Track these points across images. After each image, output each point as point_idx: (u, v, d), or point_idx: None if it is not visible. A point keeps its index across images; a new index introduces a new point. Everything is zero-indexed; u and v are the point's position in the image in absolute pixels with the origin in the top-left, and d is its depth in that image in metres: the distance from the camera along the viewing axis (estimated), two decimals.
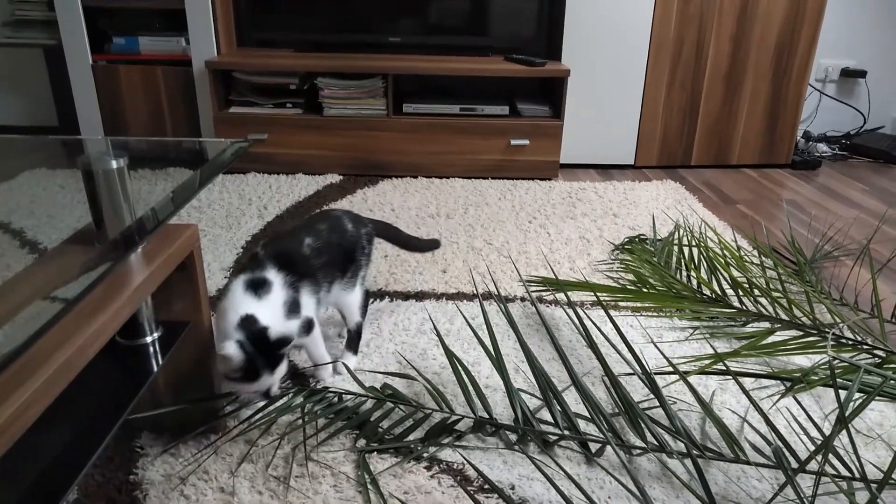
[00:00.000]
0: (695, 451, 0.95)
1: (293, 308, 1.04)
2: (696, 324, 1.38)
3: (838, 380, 1.09)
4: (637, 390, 1.14)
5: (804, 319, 1.31)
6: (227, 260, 1.63)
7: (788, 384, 1.14)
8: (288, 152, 2.31)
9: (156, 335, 1.01)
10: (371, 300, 1.45)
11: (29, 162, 1.18)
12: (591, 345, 1.02)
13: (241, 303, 0.99)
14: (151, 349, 0.99)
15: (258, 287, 1.01)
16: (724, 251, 1.57)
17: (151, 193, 0.97)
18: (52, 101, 2.73)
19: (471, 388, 1.08)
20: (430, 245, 1.47)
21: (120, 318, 0.80)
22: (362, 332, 1.24)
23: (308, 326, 1.09)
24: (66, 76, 2.30)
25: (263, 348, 0.95)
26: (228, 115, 2.27)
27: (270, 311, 1.00)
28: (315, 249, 1.11)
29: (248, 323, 0.96)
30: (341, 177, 2.30)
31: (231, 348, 0.93)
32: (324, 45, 2.47)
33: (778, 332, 1.30)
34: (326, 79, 2.26)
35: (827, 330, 1.27)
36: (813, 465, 0.93)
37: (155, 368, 0.94)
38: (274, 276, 1.04)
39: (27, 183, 1.08)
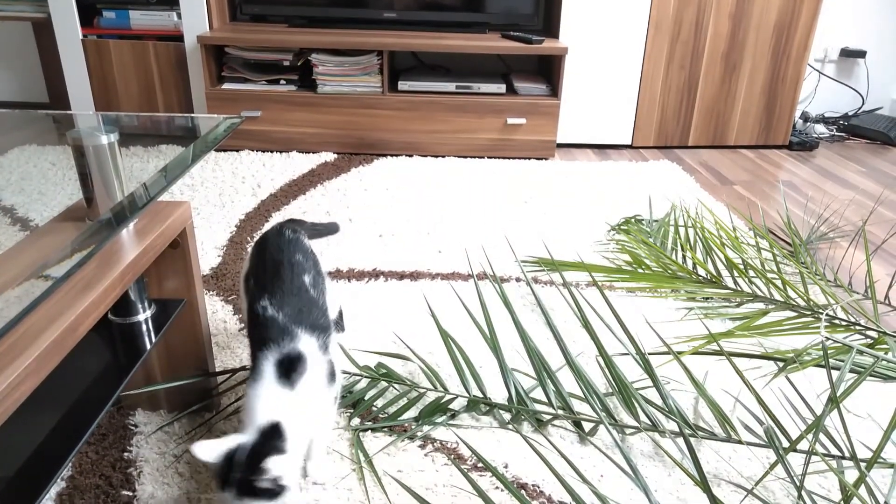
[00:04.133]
0: (687, 431, 0.96)
1: (332, 374, 0.86)
2: (690, 304, 1.38)
3: (831, 360, 1.10)
4: (631, 370, 1.14)
5: (798, 300, 1.31)
6: (220, 238, 1.62)
7: (781, 364, 1.15)
8: (282, 130, 2.28)
9: (149, 313, 1.00)
10: (365, 280, 1.45)
11: (19, 138, 1.16)
12: (586, 325, 1.02)
13: (271, 400, 0.80)
14: (144, 327, 0.98)
15: (291, 368, 0.82)
16: (720, 232, 1.57)
17: (143, 170, 0.95)
18: (41, 76, 2.69)
19: (465, 367, 1.08)
20: (329, 229, 1.27)
21: (111, 296, 0.80)
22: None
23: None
24: (56, 51, 2.26)
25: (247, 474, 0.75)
26: (221, 91, 2.24)
27: (308, 401, 0.82)
28: (313, 285, 0.94)
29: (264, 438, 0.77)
30: (336, 155, 2.28)
31: (204, 452, 0.74)
32: (318, 20, 2.43)
33: (772, 313, 1.30)
34: (320, 55, 2.23)
35: (821, 311, 1.27)
36: (804, 445, 0.94)
37: (148, 346, 0.94)
38: (308, 342, 0.85)
39: (17, 159, 1.07)
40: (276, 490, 0.75)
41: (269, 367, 0.82)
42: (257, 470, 0.74)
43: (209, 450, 0.75)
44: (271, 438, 0.77)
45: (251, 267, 0.98)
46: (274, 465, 0.75)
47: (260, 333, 0.86)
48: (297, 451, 0.79)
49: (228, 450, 0.76)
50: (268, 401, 0.80)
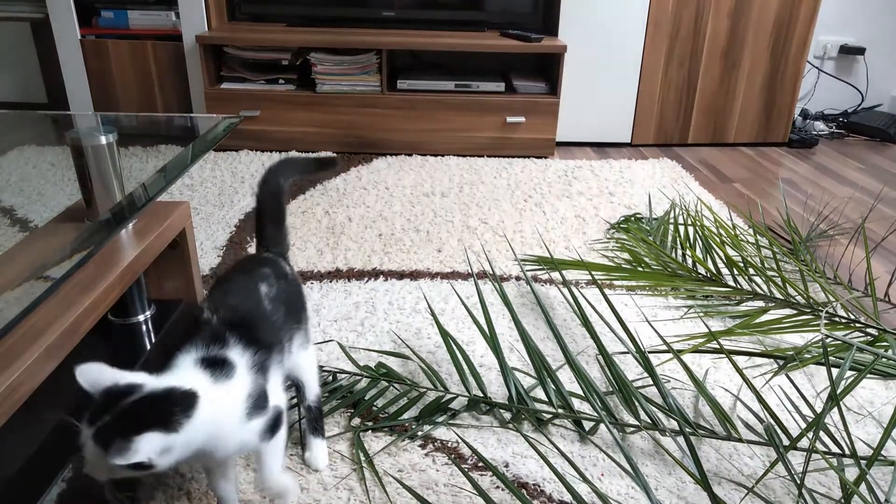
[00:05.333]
0: (687, 429, 0.96)
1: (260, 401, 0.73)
2: (690, 303, 1.38)
3: (831, 358, 1.10)
4: (631, 369, 1.14)
5: (798, 298, 1.31)
6: (219, 238, 1.62)
7: (781, 362, 1.15)
8: (281, 129, 2.28)
9: (148, 314, 1.00)
10: (365, 280, 1.45)
11: (18, 138, 1.16)
12: (586, 323, 1.02)
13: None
14: (144, 327, 0.98)
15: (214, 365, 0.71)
16: (720, 230, 1.57)
17: (142, 170, 0.95)
18: (40, 77, 2.68)
19: (465, 366, 1.08)
20: (325, 163, 1.13)
21: (111, 296, 0.80)
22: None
23: (276, 422, 0.76)
24: (54, 51, 2.26)
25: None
26: (220, 91, 2.24)
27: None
28: (273, 300, 0.84)
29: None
30: (335, 154, 2.28)
31: (85, 375, 0.62)
32: (317, 19, 2.42)
33: (772, 311, 1.30)
34: (319, 54, 2.23)
35: (820, 308, 1.27)
36: (804, 443, 0.94)
37: (148, 346, 0.94)
38: (237, 355, 0.73)
39: (16, 160, 1.07)
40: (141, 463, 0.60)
41: (190, 359, 0.70)
42: (123, 444, 0.58)
43: (92, 375, 0.62)
44: (174, 406, 0.62)
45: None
46: (146, 445, 0.59)
47: (191, 334, 0.74)
48: (185, 446, 0.64)
49: (115, 386, 0.62)
50: (188, 370, 0.68)
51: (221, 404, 0.68)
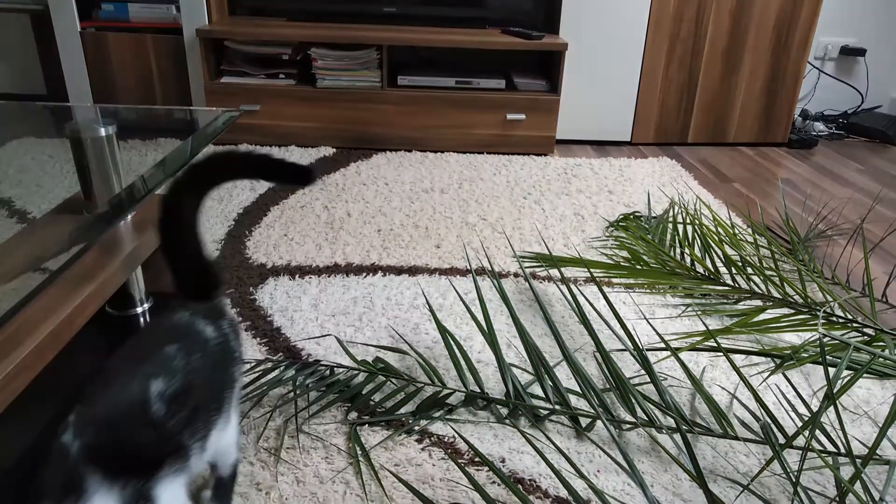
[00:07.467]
0: (684, 427, 0.96)
1: None
2: (688, 301, 1.38)
3: (828, 357, 1.10)
4: (628, 366, 1.15)
5: (796, 297, 1.32)
6: (218, 232, 1.62)
7: (778, 361, 1.15)
8: (280, 124, 2.28)
9: (146, 306, 1.00)
10: (364, 275, 1.45)
11: (17, 130, 1.16)
12: (584, 321, 1.02)
13: None
14: (141, 320, 0.98)
15: None
16: (719, 229, 1.57)
17: (141, 163, 0.95)
18: (39, 69, 2.68)
19: (463, 362, 1.08)
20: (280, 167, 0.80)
21: (109, 288, 0.80)
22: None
23: None
24: (54, 43, 2.25)
25: None
26: (220, 85, 2.23)
27: None
28: (171, 399, 0.62)
29: None
30: (334, 149, 2.28)
31: None
32: (318, 14, 2.42)
33: (770, 310, 1.30)
34: (320, 49, 2.22)
35: (818, 308, 1.28)
36: (800, 441, 0.95)
37: None
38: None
39: (15, 152, 1.07)
40: None
41: None
42: None
43: None
44: None
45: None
46: None
47: (47, 475, 0.56)
48: None
49: None
50: None
51: None
